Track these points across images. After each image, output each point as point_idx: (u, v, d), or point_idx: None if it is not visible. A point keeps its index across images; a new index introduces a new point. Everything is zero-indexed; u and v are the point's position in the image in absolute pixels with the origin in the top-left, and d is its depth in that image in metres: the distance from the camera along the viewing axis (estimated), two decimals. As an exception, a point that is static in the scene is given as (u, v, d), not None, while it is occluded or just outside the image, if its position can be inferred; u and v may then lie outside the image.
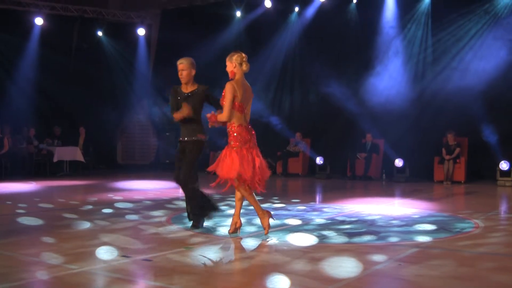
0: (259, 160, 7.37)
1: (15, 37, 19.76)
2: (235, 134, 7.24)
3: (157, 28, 22.93)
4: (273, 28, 19.76)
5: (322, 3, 18.88)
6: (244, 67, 7.31)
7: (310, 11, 19.24)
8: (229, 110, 7.15)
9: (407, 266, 5.63)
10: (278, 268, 5.45)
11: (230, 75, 7.34)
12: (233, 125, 7.25)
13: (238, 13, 20.56)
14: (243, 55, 7.30)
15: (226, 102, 7.12)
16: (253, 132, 7.47)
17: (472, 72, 16.34)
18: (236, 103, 7.21)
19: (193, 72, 7.90)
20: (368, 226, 8.12)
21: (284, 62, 19.92)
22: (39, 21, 20.16)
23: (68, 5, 21.13)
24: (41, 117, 19.75)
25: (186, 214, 8.07)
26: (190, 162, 7.70)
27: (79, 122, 19.81)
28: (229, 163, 7.12)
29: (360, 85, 17.58)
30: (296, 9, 19.68)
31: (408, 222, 8.47)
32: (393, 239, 7.09)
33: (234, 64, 7.28)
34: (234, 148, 7.19)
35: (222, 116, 7.16)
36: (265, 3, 19.56)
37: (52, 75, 19.24)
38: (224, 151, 7.28)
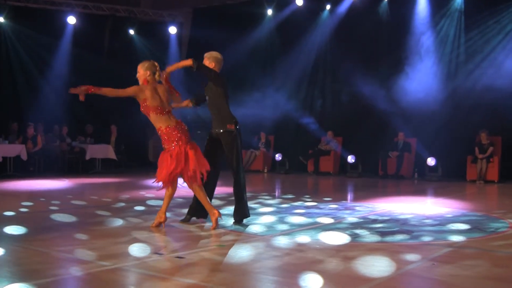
0: (193, 152, 7.47)
1: (48, 36, 19.91)
2: (165, 137, 7.47)
3: (189, 27, 22.97)
4: (304, 26, 19.71)
5: (354, 1, 18.77)
6: (157, 76, 7.60)
7: (342, 9, 19.13)
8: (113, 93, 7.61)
9: (440, 266, 5.58)
10: (310, 267, 5.43)
11: (142, 82, 7.61)
12: (161, 129, 7.47)
13: (270, 12, 20.53)
14: (156, 64, 7.64)
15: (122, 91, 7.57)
16: (184, 127, 7.61)
17: (505, 71, 16.15)
18: (156, 107, 7.44)
19: (212, 64, 8.07)
20: (400, 225, 8.06)
21: (315, 61, 19.86)
22: (71, 20, 20.32)
23: (100, 3, 21.27)
24: (73, 115, 19.90)
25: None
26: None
27: (111, 120, 19.95)
28: (165, 166, 7.44)
29: (392, 84, 17.45)
30: (328, 7, 19.58)
31: (441, 221, 8.40)
32: (426, 239, 7.03)
33: (148, 72, 7.57)
34: (168, 152, 7.45)
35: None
36: (297, 2, 19.51)
37: (84, 74, 19.33)
38: (160, 157, 7.56)
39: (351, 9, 18.90)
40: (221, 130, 7.96)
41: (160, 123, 7.46)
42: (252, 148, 19.67)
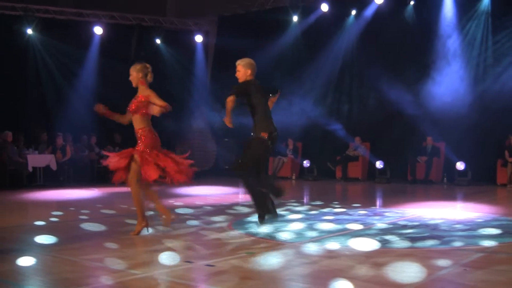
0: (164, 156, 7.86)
1: (76, 47, 20.08)
2: (142, 138, 7.80)
3: (214, 35, 23.04)
4: (329, 32, 19.69)
5: (379, 6, 18.71)
6: (149, 78, 7.86)
7: (367, 14, 19.07)
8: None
9: (472, 272, 5.52)
10: (341, 273, 5.40)
11: (137, 83, 7.89)
12: (144, 129, 7.82)
13: (295, 18, 20.51)
14: (148, 65, 7.86)
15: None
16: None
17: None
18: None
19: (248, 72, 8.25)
20: (431, 230, 7.99)
21: (341, 66, 19.80)
22: (98, 30, 20.48)
23: (126, 14, 21.45)
24: (101, 124, 19.96)
25: (247, 219, 8.11)
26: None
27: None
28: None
29: (419, 88, 17.33)
30: (353, 12, 19.53)
31: (472, 226, 8.32)
32: (457, 244, 6.96)
33: (140, 74, 7.80)
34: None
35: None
36: (322, 7, 19.47)
37: (111, 84, 19.43)
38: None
39: (377, 13, 18.83)
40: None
41: (144, 123, 7.78)
42: (280, 155, 19.66)
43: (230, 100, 8.02)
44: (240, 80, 8.26)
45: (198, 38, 22.57)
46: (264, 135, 8.04)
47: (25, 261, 6.11)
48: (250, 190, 8.14)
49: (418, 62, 18.05)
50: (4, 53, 18.78)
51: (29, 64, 19.72)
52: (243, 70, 8.15)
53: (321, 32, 19.81)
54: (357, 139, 18.71)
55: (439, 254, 6.37)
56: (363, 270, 5.59)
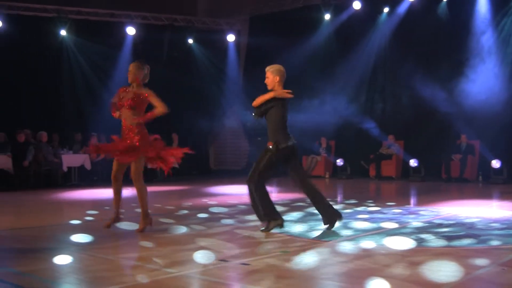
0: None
1: (109, 47, 20.26)
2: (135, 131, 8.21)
3: (246, 34, 23.05)
4: (362, 30, 19.59)
5: (412, 3, 18.57)
6: (146, 79, 8.46)
7: (400, 10, 18.92)
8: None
9: (510, 271, 5.44)
10: (376, 272, 5.36)
11: (135, 81, 8.35)
12: (140, 124, 8.24)
13: (327, 16, 20.42)
14: (148, 67, 8.45)
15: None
16: None
17: None
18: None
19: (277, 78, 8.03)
20: (467, 229, 7.90)
21: (374, 64, 19.69)
22: (131, 31, 20.63)
23: (159, 14, 21.56)
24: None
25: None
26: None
27: (172, 129, 20.12)
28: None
29: (453, 86, 17.15)
30: (386, 9, 19.39)
31: (509, 225, 8.21)
32: (495, 243, 6.88)
33: (142, 74, 8.38)
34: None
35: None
36: (354, 5, 19.39)
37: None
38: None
39: (410, 10, 18.69)
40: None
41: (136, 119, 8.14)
42: (313, 153, 19.61)
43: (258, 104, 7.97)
44: (269, 87, 8.04)
45: (230, 38, 22.61)
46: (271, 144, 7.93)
47: (62, 259, 6.16)
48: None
49: (451, 59, 17.87)
50: (39, 55, 19.03)
51: (63, 66, 19.97)
52: (271, 76, 8.00)
53: (354, 30, 19.72)
54: (391, 137, 18.58)
55: (476, 253, 6.28)
56: (399, 269, 5.54)
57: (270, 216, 7.78)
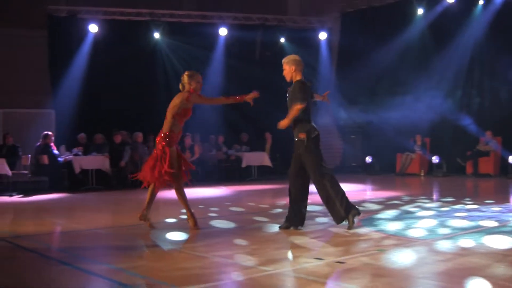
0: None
1: (202, 49, 20.56)
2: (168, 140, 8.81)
3: (338, 32, 22.88)
4: (457, 23, 19.03)
5: (509, -7, 17.95)
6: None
7: (497, 1, 18.29)
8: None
9: None
10: (477, 272, 5.19)
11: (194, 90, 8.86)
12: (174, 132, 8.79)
13: (420, 11, 20.02)
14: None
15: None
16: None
17: None
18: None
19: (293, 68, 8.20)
20: None
21: (471, 58, 19.08)
22: (223, 31, 20.85)
23: (250, 14, 21.68)
24: (229, 124, 20.39)
25: (376, 216, 7.95)
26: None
27: (265, 128, 20.19)
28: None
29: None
30: (481, 1, 18.80)
31: None
32: None
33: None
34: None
35: None
36: (448, -2, 18.96)
37: (238, 84, 19.70)
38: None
39: (507, 1, 18.02)
40: (296, 139, 8.15)
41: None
42: (407, 151, 19.26)
43: (299, 108, 7.92)
44: (288, 79, 8.21)
45: (322, 36, 22.50)
46: (303, 136, 7.87)
47: (157, 257, 6.24)
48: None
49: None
50: (133, 58, 19.48)
51: (157, 68, 20.39)
52: (287, 67, 8.07)
53: (448, 24, 19.21)
54: (488, 133, 18.02)
55: None
56: (501, 269, 5.35)
57: (349, 209, 7.68)
